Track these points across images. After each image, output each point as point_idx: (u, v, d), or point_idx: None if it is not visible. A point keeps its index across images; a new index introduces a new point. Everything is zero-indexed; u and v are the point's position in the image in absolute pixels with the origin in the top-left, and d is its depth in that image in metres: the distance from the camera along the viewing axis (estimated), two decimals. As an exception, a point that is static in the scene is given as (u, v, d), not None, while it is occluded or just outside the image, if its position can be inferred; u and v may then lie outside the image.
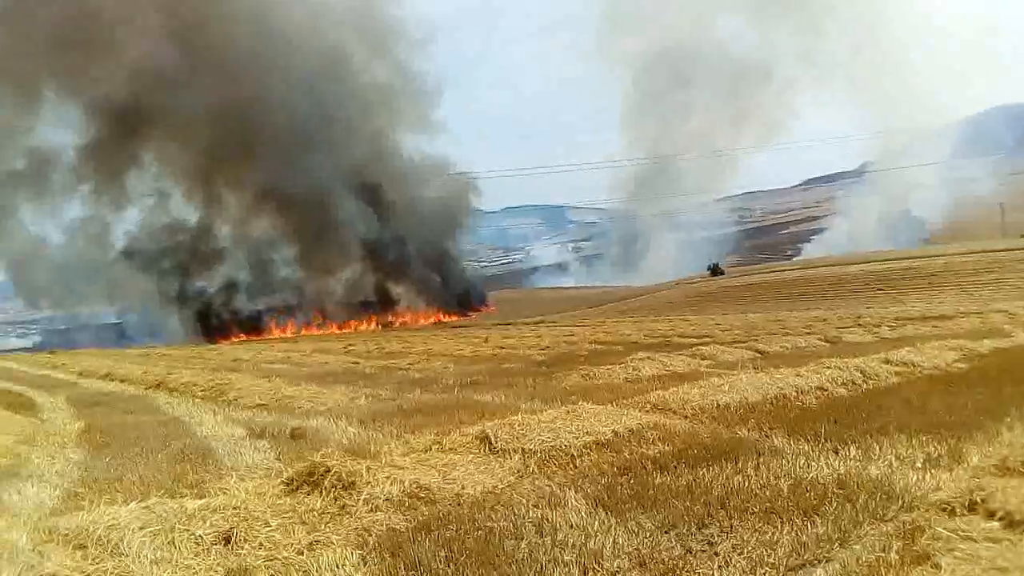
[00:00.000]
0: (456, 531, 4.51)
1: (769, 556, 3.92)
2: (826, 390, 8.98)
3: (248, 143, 70.88)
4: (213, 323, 74.21)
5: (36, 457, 8.32)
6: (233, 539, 4.41)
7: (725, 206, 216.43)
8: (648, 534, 4.31)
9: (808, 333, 19.10)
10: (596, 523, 4.52)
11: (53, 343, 71.88)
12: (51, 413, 12.41)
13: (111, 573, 3.90)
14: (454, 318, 78.29)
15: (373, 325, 74.93)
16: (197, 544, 4.34)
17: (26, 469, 7.63)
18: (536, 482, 5.56)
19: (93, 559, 4.05)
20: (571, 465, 5.97)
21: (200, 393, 13.88)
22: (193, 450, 7.86)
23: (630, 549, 4.10)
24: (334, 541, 4.46)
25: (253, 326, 74.72)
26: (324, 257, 76.32)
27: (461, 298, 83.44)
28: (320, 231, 74.17)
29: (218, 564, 4.15)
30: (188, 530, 4.41)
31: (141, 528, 4.33)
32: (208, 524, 4.50)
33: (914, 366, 10.79)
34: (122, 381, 18.95)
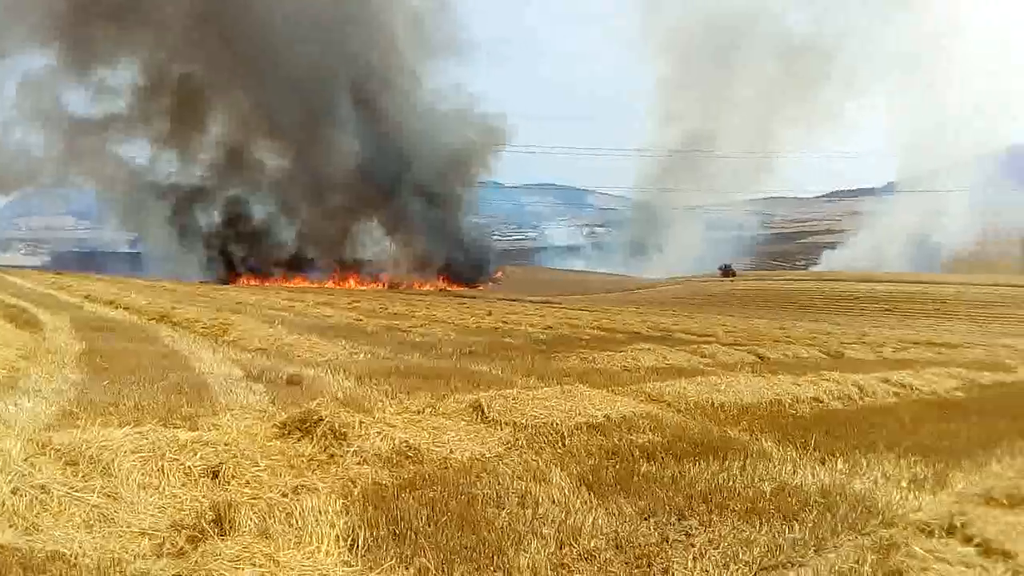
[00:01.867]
0: (440, 492, 4.58)
1: (744, 554, 3.96)
2: (822, 402, 9.00)
3: (239, 63, 68.37)
4: (207, 249, 73.31)
5: (35, 373, 8.44)
6: (221, 474, 4.48)
7: (748, 208, 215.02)
8: (628, 518, 4.36)
9: (811, 345, 19.07)
10: (578, 502, 4.57)
11: (61, 265, 72.27)
12: (53, 332, 12.53)
13: (99, 491, 3.98)
14: (459, 287, 78.22)
15: (381, 285, 75.07)
16: (186, 475, 4.42)
17: (24, 383, 7.75)
18: (524, 455, 5.62)
19: (83, 476, 4.13)
20: (560, 443, 6.02)
21: (202, 330, 14.00)
22: (189, 384, 7.96)
23: (608, 530, 4.15)
24: (319, 488, 4.53)
25: (252, 268, 74.45)
26: (325, 208, 74.64)
27: (467, 264, 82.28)
28: (318, 171, 72.02)
29: (204, 496, 4.23)
30: (178, 460, 4.49)
31: (133, 452, 4.40)
32: (198, 456, 4.58)
33: (912, 388, 10.79)
34: (126, 309, 19.13)
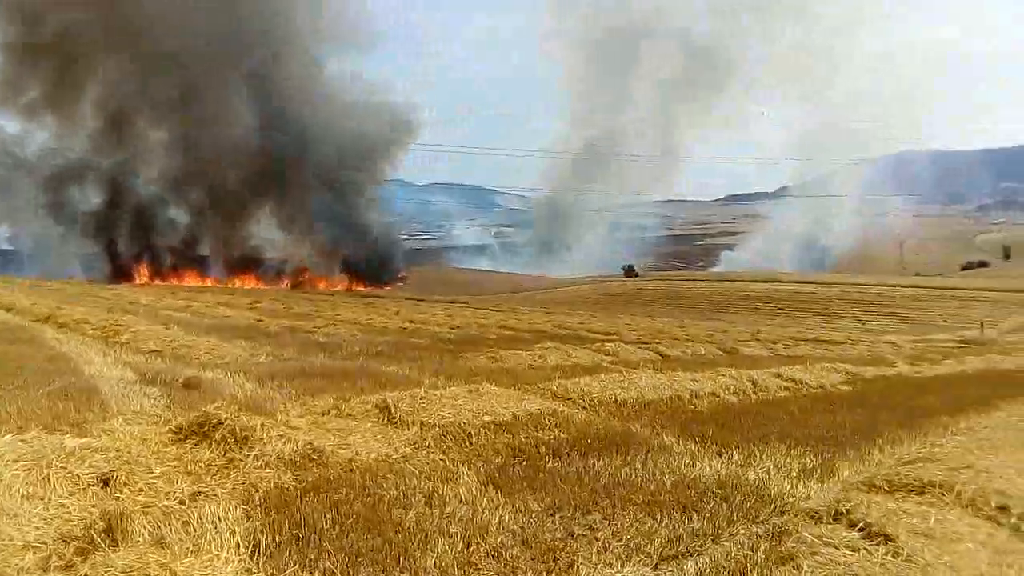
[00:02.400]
0: (345, 495, 4.51)
1: (646, 545, 4.08)
2: (718, 396, 9.35)
3: (119, 27, 63.12)
4: (86, 236, 68.35)
5: (-99, 379, 7.82)
6: (112, 482, 4.27)
7: (651, 210, 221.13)
8: (534, 515, 4.41)
9: (709, 342, 19.76)
10: (485, 500, 4.59)
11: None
12: (-77, 336, 11.67)
13: (-23, 504, 3.73)
14: (365, 287, 76.93)
15: (283, 284, 73.11)
16: (74, 483, 4.19)
17: None
18: (431, 455, 5.60)
19: (-42, 488, 3.86)
20: (467, 442, 6.03)
21: (91, 332, 13.32)
22: (78, 389, 7.55)
23: (515, 527, 4.19)
24: (218, 494, 4.38)
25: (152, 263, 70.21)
26: (215, 191, 70.53)
27: (373, 263, 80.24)
28: (208, 164, 67.74)
29: (93, 505, 4.02)
30: (65, 468, 4.25)
31: (15, 460, 4.14)
32: (87, 464, 4.35)
33: (802, 383, 11.35)
34: (8, 310, 18.00)
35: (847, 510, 4.41)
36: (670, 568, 3.90)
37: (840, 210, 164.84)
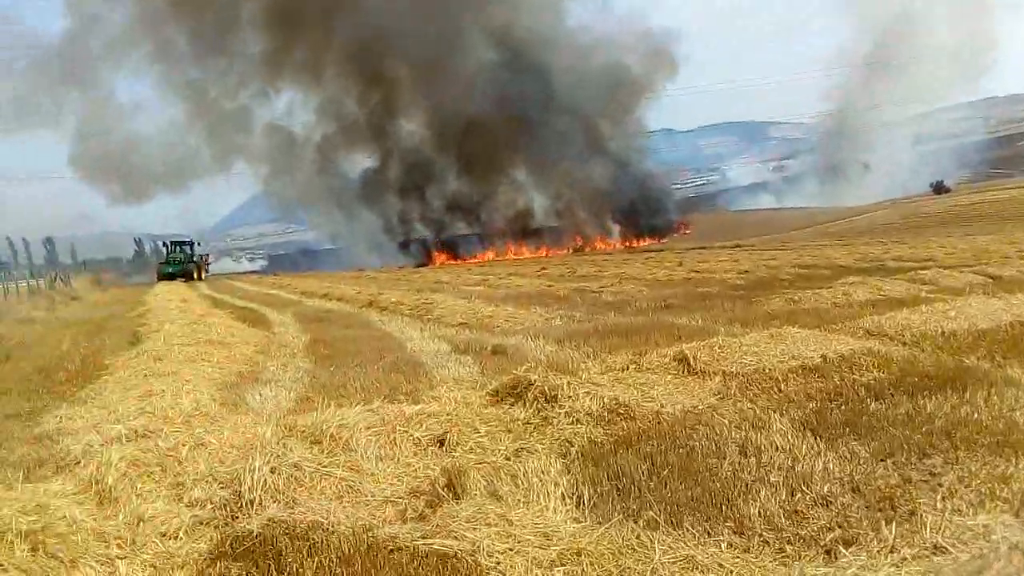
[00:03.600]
0: (657, 446, 4.55)
1: (1001, 490, 3.60)
2: (1074, 317, 7.98)
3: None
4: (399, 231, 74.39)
5: (272, 365, 9.35)
6: (447, 442, 4.75)
7: (958, 114, 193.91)
8: (862, 461, 4.10)
9: (1051, 256, 16.97)
10: (804, 447, 4.37)
11: (277, 267, 79.13)
12: (281, 328, 13.80)
13: (344, 466, 4.35)
14: (643, 242, 76.84)
15: (565, 250, 75.66)
16: (415, 445, 4.72)
17: (264, 375, 8.61)
18: (738, 404, 5.46)
19: (328, 452, 4.53)
20: (775, 389, 5.78)
21: (407, 311, 14.83)
22: (405, 362, 8.48)
23: (842, 475, 3.93)
24: (538, 449, 4.67)
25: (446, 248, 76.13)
26: (493, 174, 72.33)
27: (648, 217, 79.04)
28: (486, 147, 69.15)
29: (434, 463, 4.50)
30: (407, 432, 4.80)
31: (367, 428, 4.76)
32: (424, 428, 4.88)
33: None
34: (339, 300, 20.67)
35: None
36: (1037, 515, 3.41)
37: None
